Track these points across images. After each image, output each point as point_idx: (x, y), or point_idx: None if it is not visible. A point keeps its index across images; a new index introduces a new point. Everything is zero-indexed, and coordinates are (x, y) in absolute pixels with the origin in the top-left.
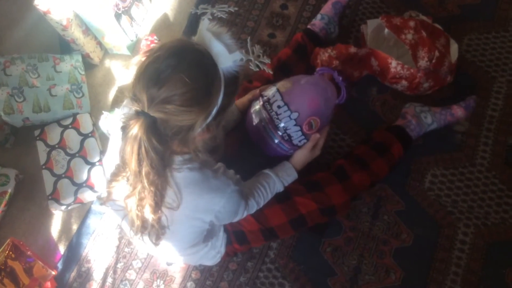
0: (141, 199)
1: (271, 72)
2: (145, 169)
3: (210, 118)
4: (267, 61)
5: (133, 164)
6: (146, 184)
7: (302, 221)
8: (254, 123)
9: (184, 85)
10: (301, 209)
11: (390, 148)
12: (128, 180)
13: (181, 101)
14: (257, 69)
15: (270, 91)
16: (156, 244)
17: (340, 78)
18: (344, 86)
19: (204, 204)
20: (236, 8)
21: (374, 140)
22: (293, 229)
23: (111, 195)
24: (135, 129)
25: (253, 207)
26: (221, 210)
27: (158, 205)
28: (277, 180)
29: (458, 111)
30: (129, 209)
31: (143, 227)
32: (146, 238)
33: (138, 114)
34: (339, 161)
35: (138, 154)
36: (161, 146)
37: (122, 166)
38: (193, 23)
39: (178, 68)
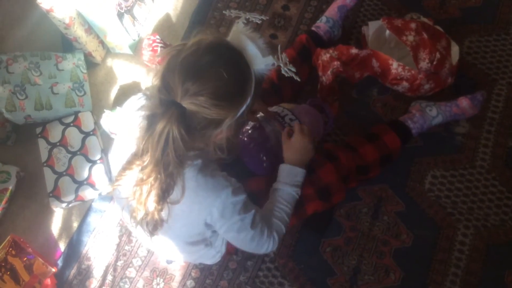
0: (151, 187)
1: (299, 80)
2: (166, 158)
3: (238, 116)
4: (294, 69)
5: (157, 152)
6: (163, 173)
7: (299, 203)
8: (265, 132)
9: (221, 79)
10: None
11: (382, 136)
12: (142, 168)
13: (215, 95)
14: (287, 75)
15: (275, 108)
16: (151, 234)
17: (329, 110)
18: (332, 118)
19: (198, 201)
20: (267, 17)
21: (368, 132)
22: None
23: (119, 182)
24: (165, 118)
25: (280, 226)
26: (217, 214)
27: (165, 196)
28: (291, 189)
29: (463, 101)
30: (136, 196)
31: (146, 214)
32: (144, 228)
33: (169, 103)
34: (327, 145)
35: (165, 143)
36: (188, 137)
37: (139, 155)
38: (195, 23)
39: (216, 63)
